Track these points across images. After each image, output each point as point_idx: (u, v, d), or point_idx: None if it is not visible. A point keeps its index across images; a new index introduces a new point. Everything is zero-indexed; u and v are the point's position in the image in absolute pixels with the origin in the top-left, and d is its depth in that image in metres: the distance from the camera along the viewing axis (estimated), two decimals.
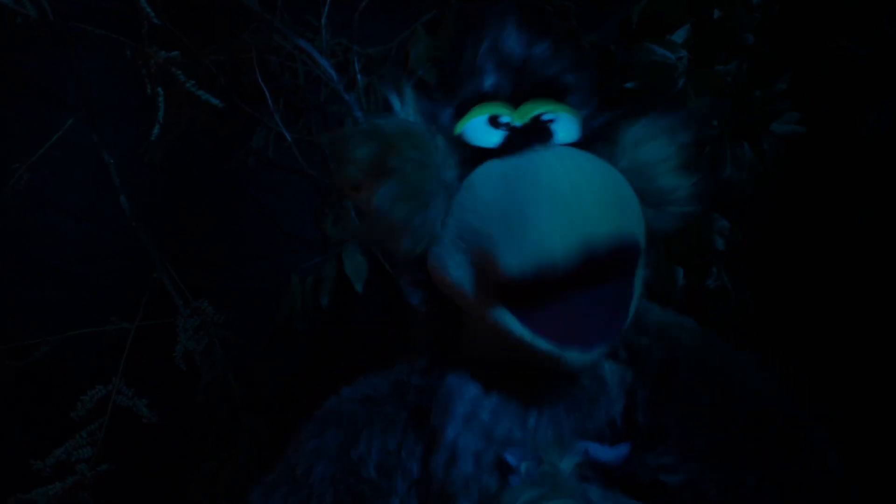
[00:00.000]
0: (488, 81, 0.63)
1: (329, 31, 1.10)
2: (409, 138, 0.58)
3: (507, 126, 0.60)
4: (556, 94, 0.63)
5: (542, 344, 0.55)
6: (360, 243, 1.11)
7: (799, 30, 0.97)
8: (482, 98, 0.62)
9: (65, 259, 1.16)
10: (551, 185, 0.52)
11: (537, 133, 0.59)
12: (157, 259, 1.07)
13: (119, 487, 1.00)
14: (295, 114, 1.19)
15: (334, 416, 0.68)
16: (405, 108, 0.63)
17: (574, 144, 0.59)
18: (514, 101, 0.62)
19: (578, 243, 0.51)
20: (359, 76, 1.14)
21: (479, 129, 0.61)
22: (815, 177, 0.97)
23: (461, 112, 0.63)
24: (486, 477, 0.60)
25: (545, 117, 0.60)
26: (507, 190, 0.54)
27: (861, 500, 0.59)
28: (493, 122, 0.61)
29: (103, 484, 1.00)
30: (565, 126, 0.60)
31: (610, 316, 0.56)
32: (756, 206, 0.98)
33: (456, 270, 0.58)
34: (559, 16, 1.03)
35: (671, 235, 0.93)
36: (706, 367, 0.62)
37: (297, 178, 1.17)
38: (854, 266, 0.96)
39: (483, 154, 0.59)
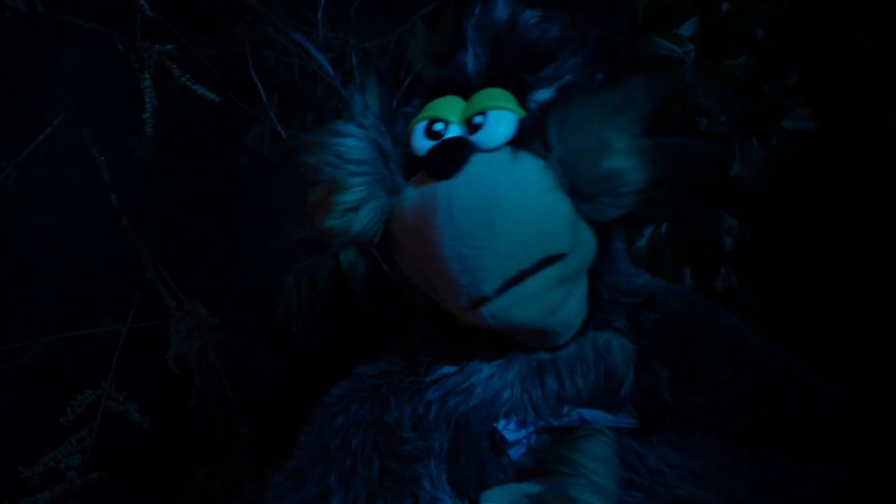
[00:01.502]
0: (456, 64, 0.68)
1: (326, 24, 1.10)
2: (337, 150, 0.63)
3: (437, 136, 0.64)
4: (534, 64, 0.66)
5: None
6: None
7: (810, 23, 0.96)
8: (439, 88, 0.67)
9: (54, 259, 1.16)
10: (451, 242, 0.58)
11: (454, 149, 0.61)
12: (149, 259, 1.06)
13: (110, 495, 1.00)
14: (290, 110, 1.19)
15: (355, 393, 0.71)
16: (366, 111, 0.67)
17: (506, 145, 0.61)
18: (471, 90, 0.66)
19: (465, 302, 0.60)
20: (356, 71, 1.13)
21: (418, 137, 0.65)
22: (826, 174, 0.97)
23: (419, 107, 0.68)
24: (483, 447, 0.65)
25: (475, 120, 0.63)
26: (413, 230, 0.61)
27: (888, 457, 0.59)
28: (429, 130, 0.65)
29: (93, 492, 0.99)
30: (494, 128, 0.62)
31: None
32: (765, 204, 0.98)
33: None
34: (562, 8, 1.03)
35: (679, 238, 0.94)
36: (723, 340, 0.64)
37: (293, 176, 1.17)
38: (867, 266, 0.96)
39: (414, 161, 0.65)
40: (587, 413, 0.64)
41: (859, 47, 0.95)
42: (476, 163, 0.60)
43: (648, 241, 0.96)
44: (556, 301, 0.63)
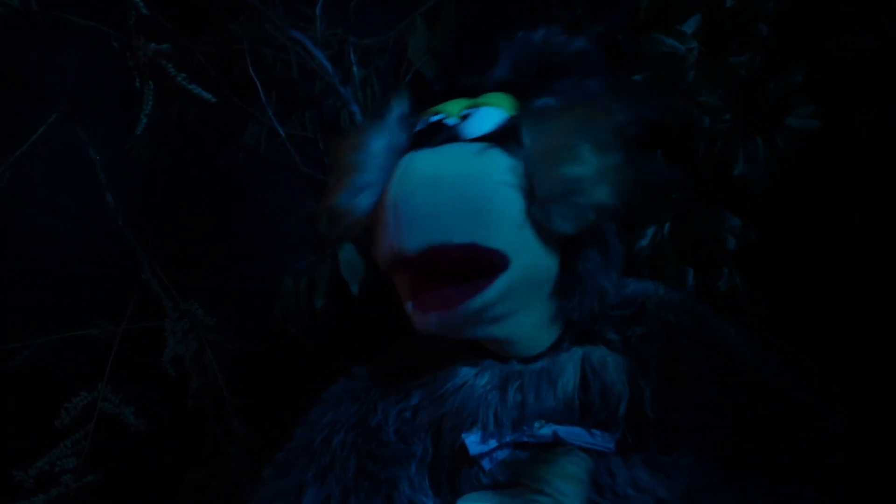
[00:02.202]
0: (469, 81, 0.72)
1: (324, 21, 1.10)
2: (357, 140, 0.69)
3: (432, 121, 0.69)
4: (548, 75, 0.69)
5: (408, 307, 0.65)
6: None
7: (814, 20, 0.96)
8: (458, 92, 0.71)
9: (49, 259, 1.16)
10: (395, 196, 0.62)
11: (433, 130, 0.67)
12: (145, 259, 1.06)
13: (105, 499, 1.00)
14: (288, 108, 1.19)
15: (348, 393, 0.74)
16: (391, 112, 0.72)
17: (485, 136, 0.64)
18: (475, 94, 0.70)
19: (388, 252, 0.62)
20: (355, 68, 1.13)
21: (420, 125, 0.70)
22: (831, 173, 0.97)
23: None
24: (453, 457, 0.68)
25: (464, 113, 0.67)
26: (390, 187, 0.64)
27: (871, 485, 0.60)
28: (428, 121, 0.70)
29: (89, 495, 0.99)
30: (478, 120, 0.66)
31: (447, 301, 0.63)
32: (769, 203, 0.97)
33: None
34: (563, 5, 1.03)
35: (681, 237, 0.94)
36: (709, 356, 0.64)
37: (291, 175, 1.17)
38: (873, 266, 0.96)
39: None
40: (563, 430, 0.64)
41: (863, 45, 0.95)
42: (448, 145, 0.64)
43: (651, 241, 0.96)
44: (498, 313, 0.64)
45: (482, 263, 0.61)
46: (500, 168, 0.61)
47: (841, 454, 0.60)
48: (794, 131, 0.93)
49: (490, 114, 0.66)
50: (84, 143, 1.04)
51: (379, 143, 0.68)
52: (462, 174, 0.61)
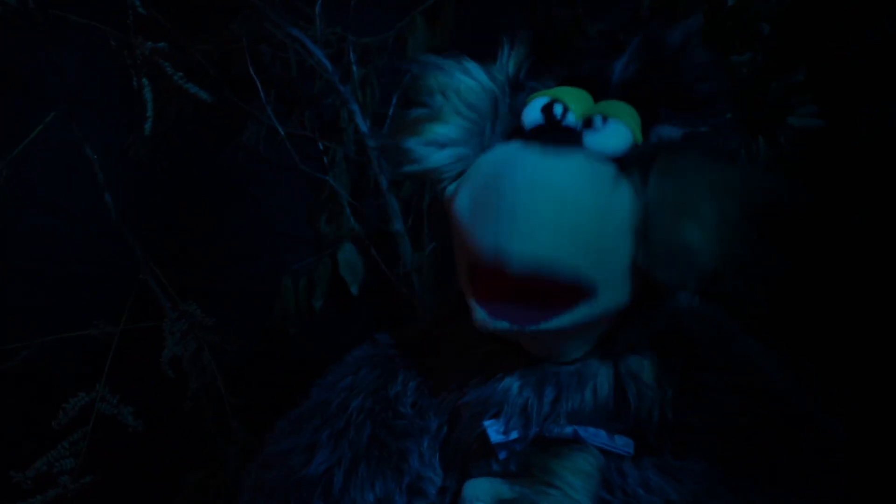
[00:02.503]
0: (602, 65, 0.66)
1: (323, 19, 1.10)
2: (458, 85, 0.63)
3: (552, 117, 0.62)
4: (679, 102, 0.64)
5: (473, 303, 0.61)
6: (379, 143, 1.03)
7: (816, 19, 0.96)
8: (574, 80, 0.65)
9: (46, 260, 1.15)
10: (508, 192, 0.56)
11: (565, 135, 0.60)
12: (143, 259, 1.06)
13: (103, 500, 0.99)
14: (288, 107, 1.18)
15: (369, 358, 0.73)
16: (502, 67, 0.67)
17: (612, 158, 0.59)
18: (603, 95, 0.64)
19: (491, 249, 0.56)
20: (354, 67, 1.13)
21: (532, 109, 0.63)
22: (833, 173, 0.97)
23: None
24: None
25: (595, 121, 0.61)
26: (487, 179, 0.58)
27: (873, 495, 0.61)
28: (546, 108, 0.62)
29: (87, 497, 0.99)
30: (609, 136, 0.60)
31: (521, 317, 0.60)
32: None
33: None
34: (565, 3, 1.03)
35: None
36: (732, 366, 0.64)
37: (290, 175, 1.17)
38: (875, 267, 0.96)
39: (519, 131, 0.62)
40: (582, 430, 0.64)
41: (865, 44, 0.95)
42: (578, 157, 0.57)
43: None
44: (563, 328, 0.61)
45: (574, 289, 0.58)
46: (622, 200, 0.56)
47: (846, 470, 0.60)
48: (795, 131, 0.92)
49: (621, 132, 0.61)
50: (82, 142, 1.04)
51: (480, 100, 0.63)
52: (586, 197, 0.56)
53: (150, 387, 1.03)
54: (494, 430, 0.65)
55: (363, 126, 1.07)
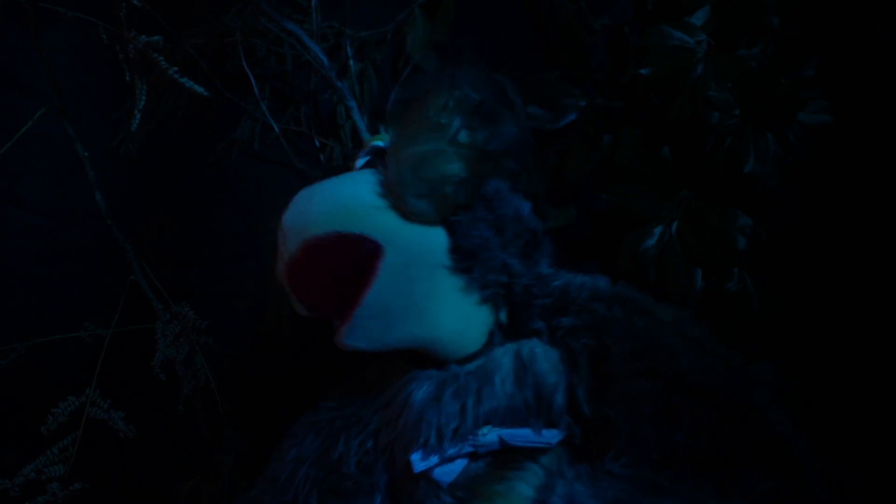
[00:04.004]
0: None
1: (319, 12, 1.09)
2: None
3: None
4: None
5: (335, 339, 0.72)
6: None
7: (827, 11, 0.96)
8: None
9: (35, 260, 1.15)
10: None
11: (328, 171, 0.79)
12: (135, 260, 1.06)
13: None
14: (283, 103, 1.18)
15: (312, 426, 0.78)
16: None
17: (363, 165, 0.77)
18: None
19: (281, 268, 0.71)
20: (351, 62, 1.13)
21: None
22: (845, 171, 0.97)
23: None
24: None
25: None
26: None
27: (815, 467, 0.59)
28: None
29: None
30: (362, 155, 0.78)
31: (347, 310, 0.69)
32: (781, 202, 0.97)
33: None
34: None
35: (690, 237, 0.93)
36: (639, 350, 0.66)
37: (285, 173, 1.17)
38: (887, 268, 0.95)
39: None
40: (507, 434, 0.65)
41: (878, 38, 0.94)
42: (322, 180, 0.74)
43: (658, 241, 0.95)
44: (403, 302, 0.67)
45: (356, 253, 0.67)
46: (364, 178, 0.71)
47: (779, 453, 0.59)
48: (806, 127, 0.92)
49: (371, 147, 0.76)
50: (72, 139, 1.03)
51: None
52: (326, 185, 0.71)
53: (142, 391, 1.03)
54: (416, 459, 0.66)
55: (360, 123, 1.06)
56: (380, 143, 0.76)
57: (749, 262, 0.96)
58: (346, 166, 0.83)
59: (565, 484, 0.59)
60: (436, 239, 0.69)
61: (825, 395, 0.68)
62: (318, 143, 1.16)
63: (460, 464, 0.67)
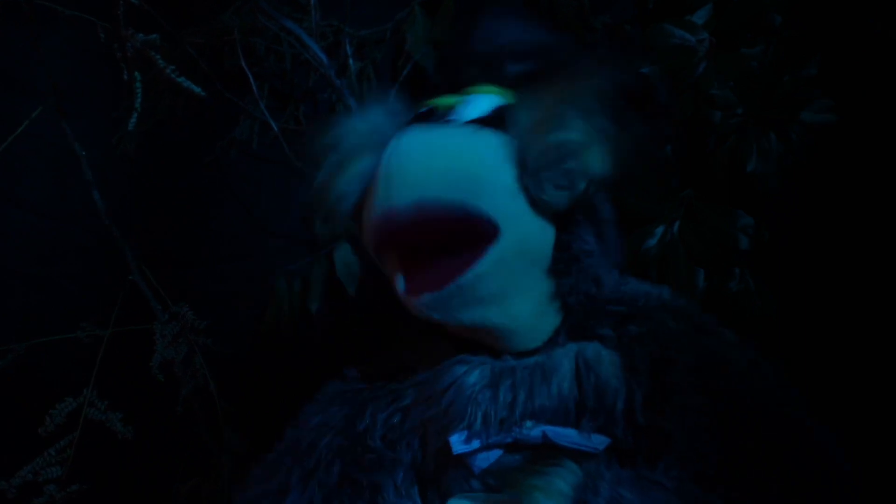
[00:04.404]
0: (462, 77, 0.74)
1: (319, 10, 1.09)
2: (357, 122, 0.72)
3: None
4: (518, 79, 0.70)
5: (400, 290, 0.66)
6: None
7: (830, 10, 0.96)
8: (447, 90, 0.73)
9: (35, 260, 1.15)
10: (385, 164, 0.65)
11: (424, 115, 0.69)
12: (133, 260, 1.06)
13: None
14: (281, 102, 1.18)
15: (338, 395, 0.75)
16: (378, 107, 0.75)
17: (478, 119, 0.67)
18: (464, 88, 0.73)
19: (378, 218, 0.64)
20: (351, 60, 1.13)
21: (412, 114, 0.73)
22: (847, 170, 0.97)
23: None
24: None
25: (458, 103, 0.70)
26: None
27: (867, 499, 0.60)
28: (417, 115, 0.71)
29: None
30: (468, 107, 0.69)
31: (439, 279, 0.64)
32: (783, 202, 0.97)
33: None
34: None
35: (691, 237, 0.93)
36: (701, 365, 0.65)
37: (284, 172, 1.16)
38: (890, 268, 0.95)
39: None
40: (552, 431, 0.64)
41: (880, 37, 0.94)
42: (441, 125, 0.67)
43: (660, 241, 0.95)
44: (494, 289, 0.64)
45: (471, 230, 0.62)
46: (493, 143, 0.64)
47: (833, 478, 0.59)
48: (808, 126, 0.92)
49: (482, 100, 0.69)
50: (69, 138, 1.03)
51: (371, 128, 0.71)
52: (454, 145, 0.64)
53: (140, 392, 1.03)
54: (456, 441, 0.66)
55: None
56: (497, 100, 0.69)
57: (751, 262, 0.96)
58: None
59: (610, 487, 0.58)
60: (547, 236, 0.66)
61: (826, 396, 0.68)
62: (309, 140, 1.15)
63: (496, 453, 0.66)
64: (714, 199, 0.95)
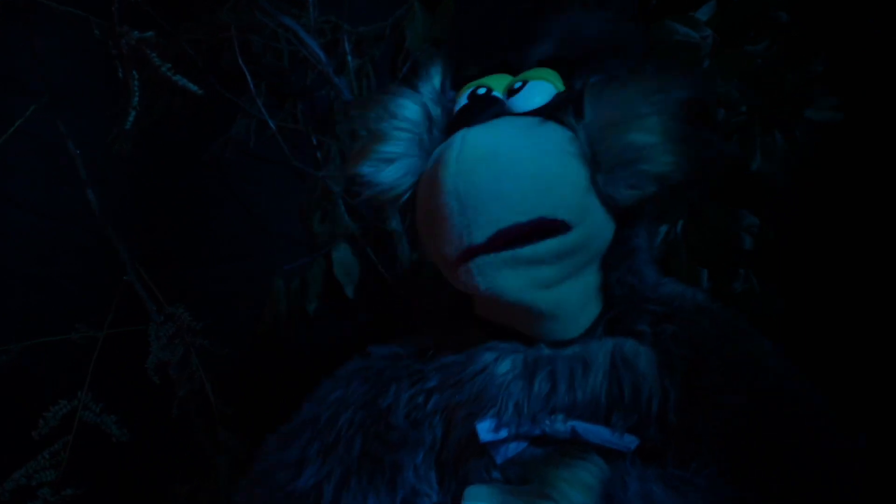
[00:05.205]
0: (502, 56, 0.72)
1: (317, 7, 1.09)
2: (388, 106, 0.70)
3: (471, 96, 0.71)
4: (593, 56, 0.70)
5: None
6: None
7: (836, 6, 0.95)
8: (491, 69, 0.72)
9: (26, 260, 1.15)
10: (454, 180, 0.61)
11: (483, 103, 0.68)
12: (128, 260, 1.06)
13: None
14: (279, 100, 1.18)
15: (361, 371, 0.75)
16: (426, 81, 0.74)
17: (537, 111, 0.66)
18: (517, 70, 0.71)
19: (456, 243, 0.62)
20: (349, 57, 1.12)
21: (460, 101, 0.71)
22: (853, 169, 0.96)
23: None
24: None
25: (515, 86, 0.69)
26: (429, 173, 0.65)
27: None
28: (472, 95, 0.71)
29: None
30: (529, 94, 0.68)
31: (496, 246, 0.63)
32: (788, 201, 0.97)
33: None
34: None
35: (695, 237, 0.93)
36: (736, 368, 0.65)
37: (282, 171, 1.16)
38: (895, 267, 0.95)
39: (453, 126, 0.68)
40: (581, 427, 0.64)
41: (887, 33, 0.94)
42: (501, 119, 0.65)
43: (663, 241, 0.95)
44: (550, 276, 0.64)
45: (545, 232, 0.62)
46: (560, 139, 0.63)
47: (865, 482, 0.59)
48: (814, 124, 0.92)
49: (539, 88, 0.68)
50: (64, 136, 1.03)
51: (411, 112, 0.70)
52: (522, 148, 0.62)
53: (136, 394, 1.03)
54: (484, 429, 0.65)
55: None
56: (551, 87, 0.68)
57: (755, 262, 0.96)
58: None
59: (641, 483, 0.57)
60: (609, 230, 0.67)
61: (832, 397, 0.68)
62: (315, 141, 1.15)
63: (521, 445, 0.66)
64: (718, 198, 0.95)
